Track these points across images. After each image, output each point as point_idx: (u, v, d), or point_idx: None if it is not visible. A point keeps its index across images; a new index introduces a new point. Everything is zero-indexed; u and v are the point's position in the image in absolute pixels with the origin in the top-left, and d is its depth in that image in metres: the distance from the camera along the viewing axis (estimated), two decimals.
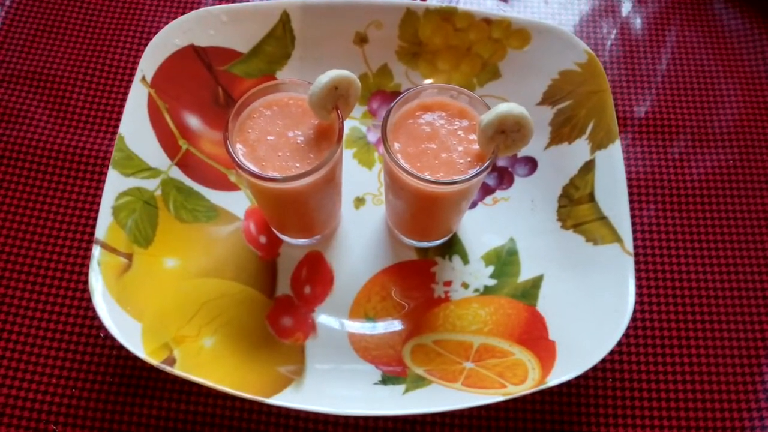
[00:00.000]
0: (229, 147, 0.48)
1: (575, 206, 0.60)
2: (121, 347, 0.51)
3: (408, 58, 0.67)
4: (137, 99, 0.60)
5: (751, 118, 0.68)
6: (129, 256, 0.55)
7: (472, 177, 0.48)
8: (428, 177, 0.48)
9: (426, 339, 0.57)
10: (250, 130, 0.50)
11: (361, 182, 0.64)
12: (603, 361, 0.56)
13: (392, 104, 0.50)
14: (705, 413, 0.56)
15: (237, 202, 0.63)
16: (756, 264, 0.61)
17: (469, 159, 0.49)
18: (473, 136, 0.50)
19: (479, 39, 0.65)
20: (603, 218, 0.57)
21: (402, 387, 0.54)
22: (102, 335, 0.58)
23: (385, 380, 0.55)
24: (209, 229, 0.61)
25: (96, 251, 0.53)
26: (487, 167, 0.48)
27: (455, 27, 0.65)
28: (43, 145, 0.66)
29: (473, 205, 0.63)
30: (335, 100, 0.48)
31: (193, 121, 0.63)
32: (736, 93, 0.70)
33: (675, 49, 0.72)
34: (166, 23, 0.62)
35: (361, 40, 0.66)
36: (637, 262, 0.61)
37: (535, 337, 0.55)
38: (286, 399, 0.51)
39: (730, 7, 0.75)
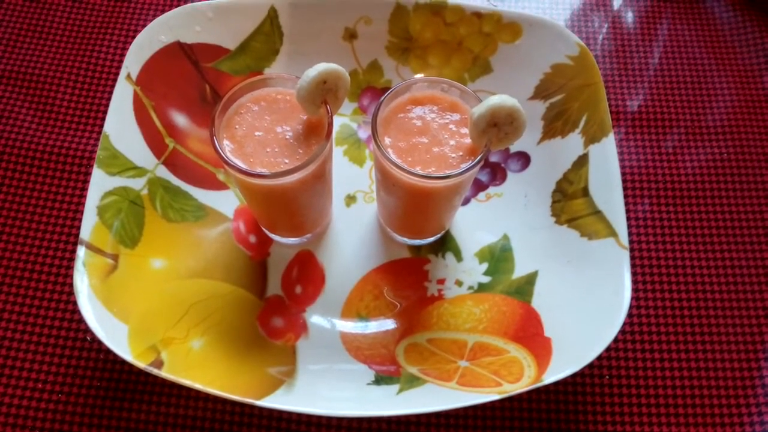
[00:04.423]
0: (216, 143, 0.47)
1: (569, 201, 0.59)
2: (108, 350, 0.50)
3: (398, 53, 0.66)
4: (122, 97, 0.58)
5: (744, 110, 0.68)
6: (115, 257, 0.54)
7: (464, 171, 0.47)
8: (420, 171, 0.47)
9: (419, 338, 0.56)
10: (237, 126, 0.49)
11: (352, 180, 0.64)
12: (599, 357, 0.56)
13: (382, 98, 0.49)
14: (703, 409, 0.55)
15: (226, 202, 0.62)
16: (752, 257, 0.61)
17: (461, 153, 0.49)
18: (465, 130, 0.49)
19: (470, 33, 0.64)
20: (597, 212, 0.56)
21: (395, 387, 0.53)
22: (89, 339, 0.56)
23: (379, 380, 0.54)
24: (197, 229, 0.60)
25: (81, 252, 0.52)
26: (479, 161, 0.47)
27: (445, 21, 0.64)
28: (27, 145, 0.65)
29: (466, 201, 0.63)
30: (324, 94, 0.47)
31: (180, 119, 0.62)
32: (728, 86, 0.69)
33: (667, 42, 0.72)
34: (152, 20, 0.61)
35: (351, 35, 0.65)
36: (632, 257, 0.60)
37: (530, 334, 0.55)
38: (277, 401, 0.50)
39: None
